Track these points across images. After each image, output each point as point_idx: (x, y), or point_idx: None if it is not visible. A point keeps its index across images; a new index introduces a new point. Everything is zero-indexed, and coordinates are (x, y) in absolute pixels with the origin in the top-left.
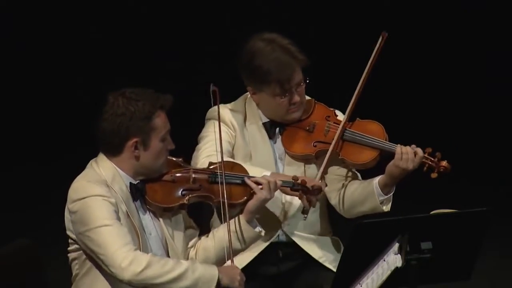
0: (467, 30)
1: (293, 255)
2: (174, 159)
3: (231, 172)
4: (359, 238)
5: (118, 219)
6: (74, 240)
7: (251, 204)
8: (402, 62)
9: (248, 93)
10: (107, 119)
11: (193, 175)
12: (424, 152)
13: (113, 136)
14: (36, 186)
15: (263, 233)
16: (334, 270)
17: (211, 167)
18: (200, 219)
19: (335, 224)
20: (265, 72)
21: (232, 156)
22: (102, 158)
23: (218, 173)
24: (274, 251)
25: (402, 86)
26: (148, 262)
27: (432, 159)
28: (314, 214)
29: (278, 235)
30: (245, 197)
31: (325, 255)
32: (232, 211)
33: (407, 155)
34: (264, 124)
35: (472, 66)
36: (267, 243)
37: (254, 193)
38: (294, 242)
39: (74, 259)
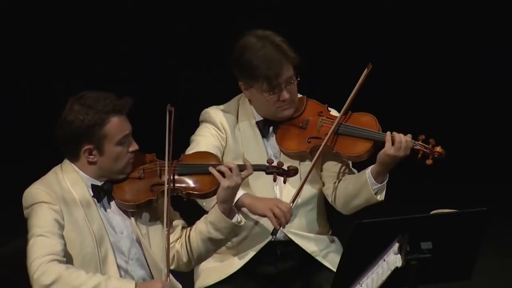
0: (460, 21)
1: (291, 254)
2: (147, 154)
3: (197, 162)
4: (358, 238)
5: (59, 227)
6: None
7: (218, 194)
8: (401, 59)
9: (242, 93)
10: (61, 126)
11: (160, 169)
12: (417, 139)
13: (67, 143)
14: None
15: (242, 223)
16: (333, 269)
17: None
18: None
19: (334, 223)
20: (253, 67)
21: (222, 160)
22: (65, 162)
23: (171, 163)
24: (273, 250)
25: (402, 85)
26: (57, 276)
27: (426, 145)
28: (311, 213)
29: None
30: (216, 186)
31: (323, 253)
32: (207, 200)
33: (397, 143)
34: (257, 122)
35: (472, 66)
36: (265, 242)
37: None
38: (292, 240)
39: None
